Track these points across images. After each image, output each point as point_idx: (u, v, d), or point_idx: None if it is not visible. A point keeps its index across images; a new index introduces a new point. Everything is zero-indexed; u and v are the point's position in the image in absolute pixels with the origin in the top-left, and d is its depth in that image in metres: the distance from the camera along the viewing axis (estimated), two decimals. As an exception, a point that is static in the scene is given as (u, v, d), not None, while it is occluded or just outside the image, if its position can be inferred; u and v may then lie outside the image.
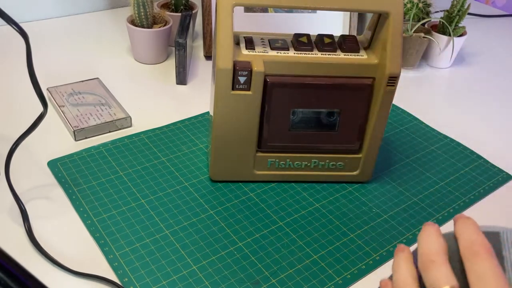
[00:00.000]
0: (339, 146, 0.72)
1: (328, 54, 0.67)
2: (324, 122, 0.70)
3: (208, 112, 0.89)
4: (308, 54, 0.66)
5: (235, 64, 0.64)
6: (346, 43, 0.68)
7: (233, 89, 0.65)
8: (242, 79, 0.64)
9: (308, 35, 0.68)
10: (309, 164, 0.73)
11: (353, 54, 0.68)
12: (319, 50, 0.67)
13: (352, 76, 0.67)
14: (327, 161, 0.73)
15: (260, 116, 0.68)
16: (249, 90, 0.65)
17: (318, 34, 0.69)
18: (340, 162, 0.73)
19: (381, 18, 0.67)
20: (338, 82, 0.67)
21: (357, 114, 0.69)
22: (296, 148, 0.72)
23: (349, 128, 0.70)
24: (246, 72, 0.64)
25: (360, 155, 0.73)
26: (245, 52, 0.66)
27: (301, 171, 0.74)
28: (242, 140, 0.69)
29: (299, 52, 0.67)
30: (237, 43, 0.68)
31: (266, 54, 0.66)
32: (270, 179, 0.74)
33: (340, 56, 0.67)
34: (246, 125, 0.68)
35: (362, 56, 0.68)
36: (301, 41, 0.67)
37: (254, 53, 0.66)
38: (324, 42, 0.68)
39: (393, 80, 0.66)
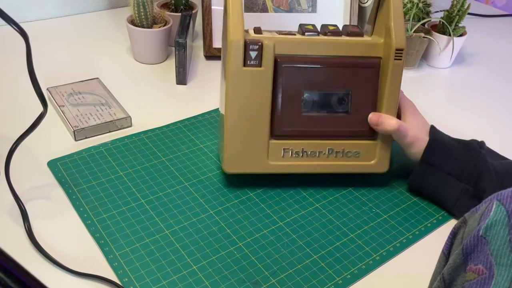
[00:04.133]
0: (353, 129, 0.72)
1: (334, 38, 0.70)
2: (336, 104, 0.71)
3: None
4: (315, 37, 0.69)
5: (245, 40, 0.65)
6: (350, 30, 0.71)
7: (244, 65, 0.66)
8: (253, 54, 0.65)
9: (313, 25, 0.71)
10: (324, 152, 0.72)
11: (357, 38, 0.70)
12: (325, 35, 0.70)
13: (360, 56, 0.69)
14: (342, 148, 0.72)
15: (272, 99, 0.68)
16: (260, 66, 0.66)
17: (323, 24, 0.71)
18: (356, 150, 0.72)
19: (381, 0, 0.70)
20: (347, 61, 0.69)
21: (368, 94, 0.70)
22: (309, 133, 0.71)
23: (361, 110, 0.71)
24: (257, 46, 0.65)
25: (375, 141, 0.72)
26: (254, 35, 0.68)
27: (316, 161, 0.72)
28: (255, 125, 0.69)
29: (306, 36, 0.69)
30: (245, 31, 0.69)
31: (275, 36, 0.68)
32: (285, 170, 0.72)
33: (346, 38, 0.70)
34: (258, 107, 0.68)
35: (367, 38, 0.71)
36: (307, 28, 0.70)
37: (263, 35, 0.68)
38: (329, 29, 0.70)
39: (400, 52, 0.68)
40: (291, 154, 0.71)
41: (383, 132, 0.71)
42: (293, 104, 0.69)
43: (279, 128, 0.70)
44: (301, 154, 0.71)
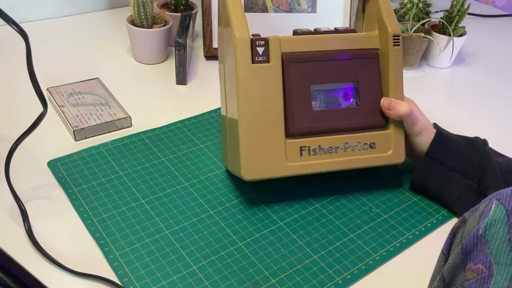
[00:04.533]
0: (365, 121, 0.72)
1: (334, 34, 0.72)
2: (346, 98, 0.72)
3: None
4: (316, 35, 0.72)
5: (251, 38, 0.66)
6: (343, 29, 0.74)
7: (253, 62, 0.66)
8: (260, 50, 0.66)
9: (307, 29, 0.73)
10: (341, 147, 0.71)
11: (354, 33, 0.73)
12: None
13: (361, 48, 0.72)
14: (358, 141, 0.71)
15: (284, 98, 0.68)
16: (268, 61, 0.67)
17: (315, 28, 0.73)
18: (371, 141, 0.72)
19: None
20: (349, 53, 0.71)
21: (373, 84, 0.72)
22: (324, 129, 0.70)
23: (370, 101, 0.72)
24: (264, 42, 0.66)
25: (388, 131, 0.73)
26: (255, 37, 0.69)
27: (334, 157, 0.71)
28: (270, 125, 0.67)
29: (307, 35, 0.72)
30: None
31: (276, 36, 0.68)
32: (305, 171, 0.70)
33: (345, 34, 0.73)
34: (271, 106, 0.67)
35: (363, 33, 0.74)
36: (303, 31, 0.71)
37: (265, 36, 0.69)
38: (323, 30, 0.73)
39: (397, 38, 0.71)
40: (309, 153, 0.70)
41: (395, 116, 0.71)
42: (304, 101, 0.69)
43: (293, 126, 0.69)
44: (318, 152, 0.70)
